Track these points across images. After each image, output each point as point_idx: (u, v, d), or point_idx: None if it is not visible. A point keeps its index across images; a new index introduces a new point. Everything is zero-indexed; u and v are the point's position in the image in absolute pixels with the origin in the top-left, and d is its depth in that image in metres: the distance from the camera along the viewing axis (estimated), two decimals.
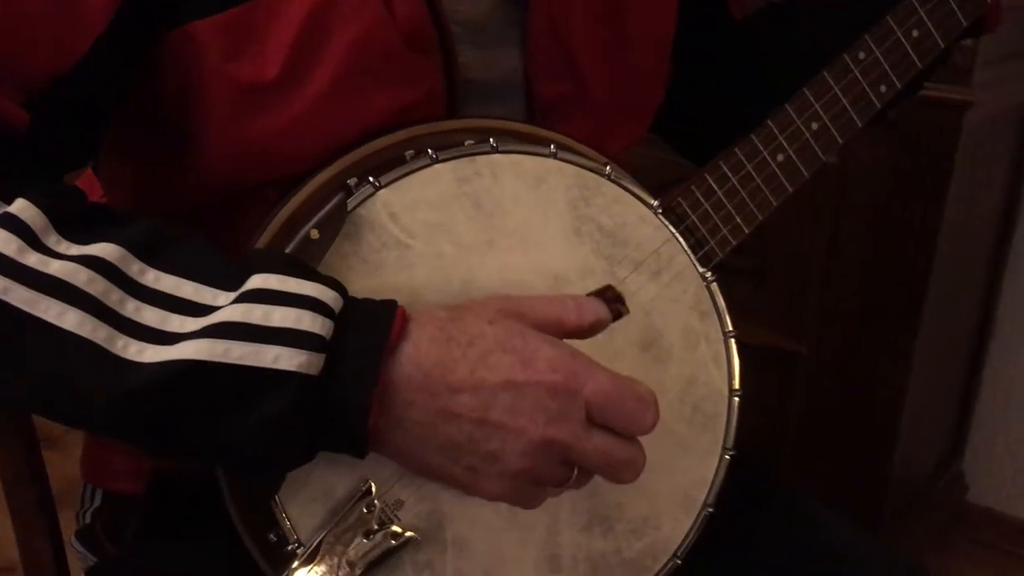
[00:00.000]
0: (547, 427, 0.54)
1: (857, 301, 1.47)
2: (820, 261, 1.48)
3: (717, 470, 0.68)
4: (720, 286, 0.68)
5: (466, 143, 0.62)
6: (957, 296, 1.60)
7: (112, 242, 0.52)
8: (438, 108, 0.66)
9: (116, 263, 0.52)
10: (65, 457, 0.81)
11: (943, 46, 0.72)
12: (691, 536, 0.67)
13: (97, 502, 0.78)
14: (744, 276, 1.52)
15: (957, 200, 1.41)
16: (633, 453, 0.56)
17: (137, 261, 0.53)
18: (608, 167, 0.65)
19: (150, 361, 0.51)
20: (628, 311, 0.63)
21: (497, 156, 0.62)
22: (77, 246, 0.52)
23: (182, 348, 0.51)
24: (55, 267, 0.51)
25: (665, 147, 0.89)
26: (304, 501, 0.59)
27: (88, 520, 0.78)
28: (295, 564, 0.58)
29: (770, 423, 1.57)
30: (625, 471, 0.56)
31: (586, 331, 0.58)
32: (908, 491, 1.67)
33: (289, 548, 0.59)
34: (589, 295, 0.62)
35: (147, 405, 0.51)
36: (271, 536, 0.59)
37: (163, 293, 0.53)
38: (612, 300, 0.62)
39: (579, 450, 0.55)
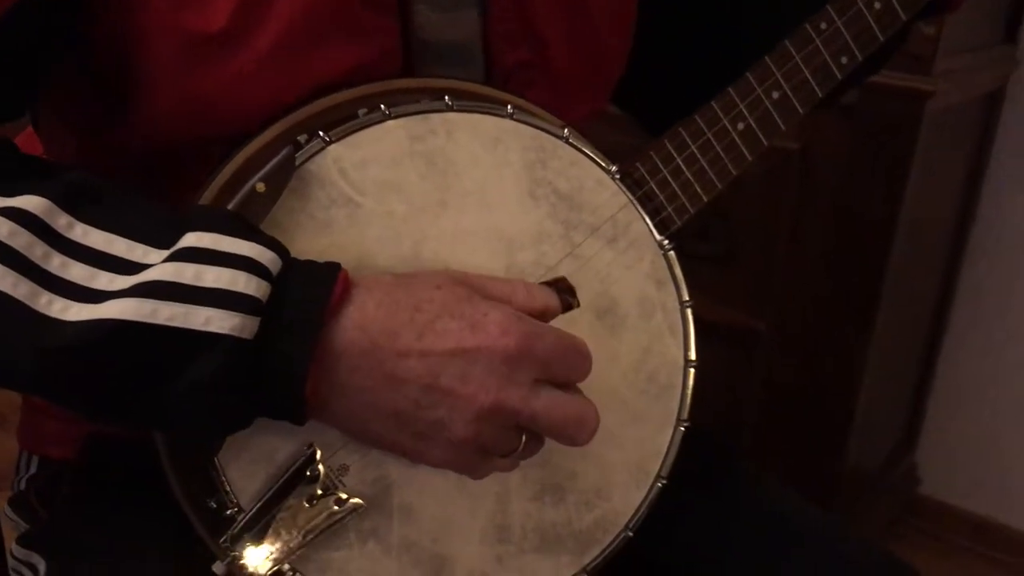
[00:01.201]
0: (498, 393, 0.53)
1: (817, 288, 1.48)
2: (783, 248, 1.48)
3: (671, 442, 0.67)
4: (679, 258, 0.67)
5: (421, 101, 0.61)
6: (914, 287, 1.61)
7: (38, 194, 0.50)
8: (394, 68, 0.64)
9: (42, 216, 0.50)
10: (11, 437, 0.78)
11: (904, 19, 0.72)
12: (643, 508, 0.66)
13: (33, 469, 0.76)
14: (709, 262, 1.52)
15: (916, 190, 1.42)
16: (583, 407, 0.55)
17: (64, 215, 0.51)
18: (566, 130, 0.63)
19: (75, 319, 0.49)
20: (579, 305, 0.62)
21: (453, 115, 0.60)
22: (1, 198, 0.50)
23: (108, 307, 0.49)
24: None
25: (628, 131, 0.88)
26: (245, 464, 0.57)
27: (23, 487, 0.76)
28: (234, 530, 0.56)
29: (730, 403, 1.57)
30: (578, 429, 0.55)
31: (535, 316, 0.57)
32: (861, 480, 1.68)
33: (228, 513, 0.57)
34: (541, 284, 0.61)
35: (71, 365, 0.49)
36: (210, 501, 0.57)
37: (91, 249, 0.50)
38: (564, 291, 0.61)
39: (529, 412, 0.54)
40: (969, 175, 1.67)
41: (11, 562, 0.73)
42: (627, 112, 0.87)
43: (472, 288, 0.55)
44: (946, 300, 1.77)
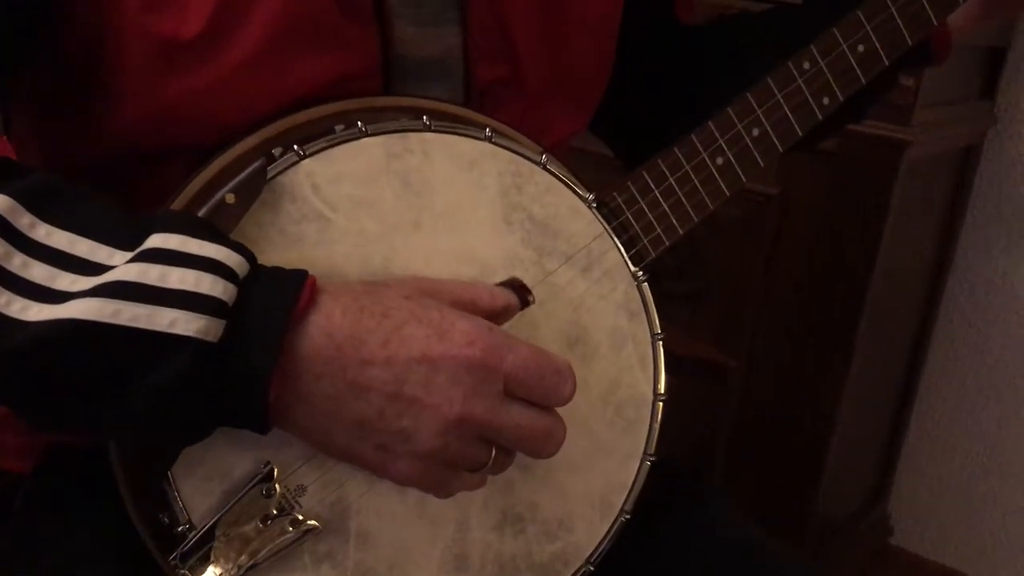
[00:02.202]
0: (463, 404, 0.52)
1: (791, 332, 1.48)
2: (756, 289, 1.48)
3: (637, 475, 0.66)
4: (653, 294, 0.67)
5: (400, 120, 0.60)
6: (888, 334, 1.62)
7: (2, 193, 0.49)
8: (374, 82, 0.63)
9: (4, 215, 0.49)
10: None
11: (887, 63, 0.72)
12: (606, 543, 0.65)
13: None
14: (681, 301, 1.52)
15: (893, 238, 1.43)
16: (551, 423, 0.55)
17: (27, 214, 0.50)
18: (543, 156, 0.63)
19: (35, 320, 0.47)
20: (535, 300, 0.61)
21: (430, 135, 0.60)
22: None
23: (70, 307, 0.47)
24: None
25: (599, 164, 0.88)
26: (199, 480, 0.55)
27: None
28: (184, 547, 0.55)
29: (700, 440, 1.56)
30: (545, 443, 0.54)
31: (498, 315, 0.57)
32: (831, 526, 1.67)
33: (180, 530, 0.55)
34: (497, 285, 0.60)
35: (29, 366, 0.48)
36: (162, 516, 0.56)
37: (54, 249, 0.49)
38: (519, 289, 0.60)
39: (496, 426, 0.53)
40: (944, 227, 1.68)
41: None
42: (607, 143, 0.87)
43: (439, 291, 0.55)
44: (920, 349, 1.77)
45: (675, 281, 1.51)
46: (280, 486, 0.56)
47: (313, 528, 0.57)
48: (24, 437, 0.70)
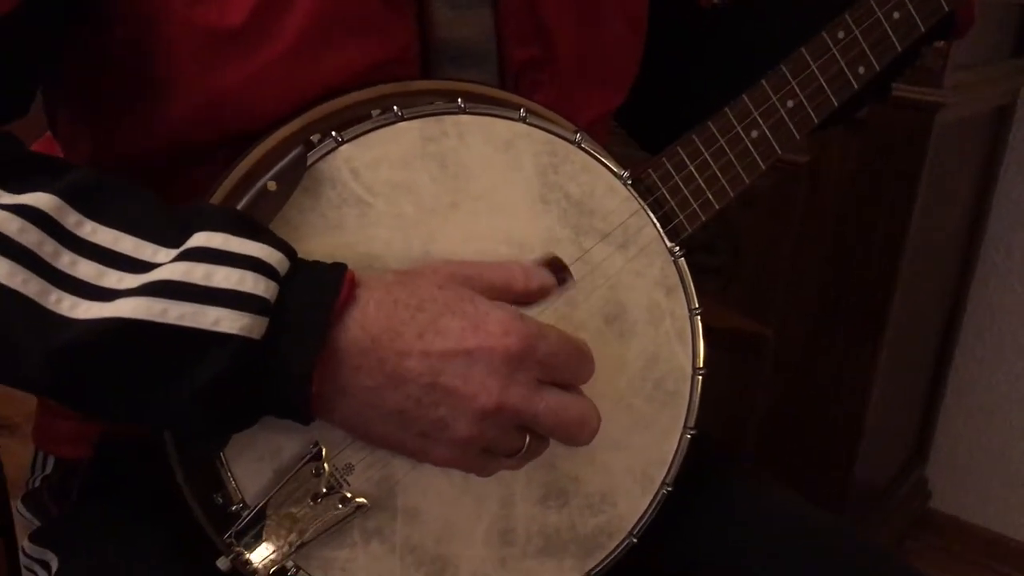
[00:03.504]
0: (500, 393, 0.53)
1: (823, 302, 1.47)
2: (788, 260, 1.48)
3: (677, 449, 0.67)
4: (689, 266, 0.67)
5: (435, 103, 0.61)
6: (923, 300, 1.61)
7: (48, 192, 0.50)
8: (411, 67, 0.64)
9: (51, 213, 0.50)
10: (24, 445, 0.79)
11: (923, 30, 0.72)
12: (648, 515, 0.66)
13: (48, 469, 0.76)
14: (711, 274, 1.52)
15: (925, 203, 1.42)
16: (585, 408, 0.56)
17: (74, 212, 0.51)
18: (578, 134, 0.63)
19: (83, 317, 0.49)
20: (573, 277, 0.62)
21: (465, 117, 0.61)
22: (11, 195, 0.50)
23: (118, 306, 0.49)
24: None
25: (630, 141, 0.88)
26: (250, 461, 0.57)
27: (37, 485, 0.76)
28: (239, 526, 0.56)
29: (735, 413, 1.57)
30: (580, 429, 0.55)
31: (533, 296, 0.58)
32: (869, 494, 1.67)
33: (233, 509, 0.57)
34: (535, 264, 0.61)
35: (80, 363, 0.49)
36: (216, 496, 0.57)
37: (100, 247, 0.51)
38: (557, 268, 0.61)
39: (532, 412, 0.54)
40: (978, 190, 1.66)
41: (23, 559, 0.73)
42: (631, 134, 0.87)
43: (472, 278, 0.56)
44: (956, 313, 1.76)
45: (706, 255, 1.51)
46: (328, 465, 0.58)
47: (362, 505, 0.58)
48: (78, 424, 0.72)
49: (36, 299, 0.49)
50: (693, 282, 0.67)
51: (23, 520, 0.76)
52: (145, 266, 0.50)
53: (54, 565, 0.68)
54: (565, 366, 0.55)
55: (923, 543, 1.86)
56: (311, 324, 0.51)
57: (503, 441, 0.55)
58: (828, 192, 1.43)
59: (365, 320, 0.52)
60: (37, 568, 0.71)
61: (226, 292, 0.49)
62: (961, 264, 1.72)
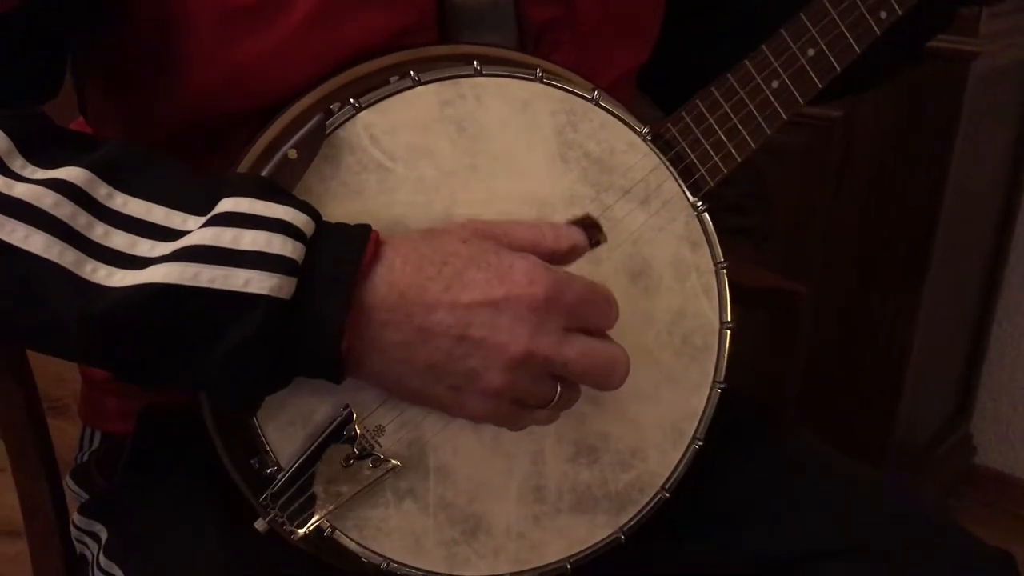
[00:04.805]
0: (529, 341, 0.53)
1: (861, 257, 1.46)
2: (823, 216, 1.46)
3: (707, 403, 0.67)
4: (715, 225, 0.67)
5: (451, 67, 0.61)
6: (963, 253, 1.58)
7: (79, 166, 0.52)
8: (430, 33, 0.64)
9: (83, 186, 0.52)
10: (75, 425, 0.81)
11: None
12: (679, 470, 0.66)
13: (95, 444, 0.79)
14: (745, 235, 1.51)
15: (962, 154, 1.39)
16: (614, 352, 0.56)
17: (105, 185, 0.52)
18: (596, 92, 0.63)
19: (120, 285, 0.50)
20: (606, 238, 0.62)
21: (481, 79, 0.61)
22: (43, 170, 0.52)
23: (151, 272, 0.50)
24: (20, 190, 0.51)
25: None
26: (283, 424, 0.58)
27: (85, 459, 0.78)
28: (274, 487, 0.58)
29: (771, 372, 1.56)
30: (610, 372, 0.56)
31: (562, 256, 0.58)
32: (912, 452, 1.65)
33: (269, 472, 0.58)
34: (568, 223, 0.61)
35: (118, 329, 0.51)
36: (252, 460, 0.59)
37: (132, 217, 0.52)
38: (590, 227, 0.61)
39: (562, 360, 0.54)
40: (1016, 138, 1.63)
41: (74, 532, 0.75)
42: (652, 97, 0.87)
43: (498, 236, 0.56)
44: (998, 266, 1.73)
45: (739, 216, 1.49)
46: (359, 428, 0.59)
47: (394, 466, 0.59)
48: (123, 400, 0.74)
49: (73, 269, 0.50)
50: (719, 238, 0.67)
51: (72, 494, 0.78)
52: (175, 234, 0.52)
53: (103, 536, 0.71)
54: (591, 312, 0.56)
55: (968, 498, 1.84)
56: (339, 282, 0.52)
57: (535, 390, 0.55)
58: (863, 146, 1.42)
59: (392, 276, 0.53)
60: (88, 540, 0.73)
61: (254, 254, 0.51)
62: (1001, 213, 1.69)
